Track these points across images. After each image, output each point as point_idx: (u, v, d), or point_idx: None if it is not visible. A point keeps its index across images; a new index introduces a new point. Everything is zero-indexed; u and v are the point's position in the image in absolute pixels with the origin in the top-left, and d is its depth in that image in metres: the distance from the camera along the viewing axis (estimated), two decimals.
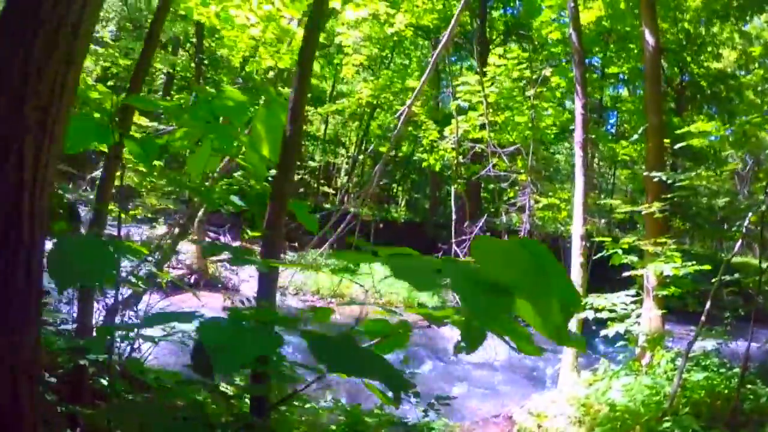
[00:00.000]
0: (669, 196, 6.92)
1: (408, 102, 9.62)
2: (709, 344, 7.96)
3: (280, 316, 1.88)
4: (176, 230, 9.04)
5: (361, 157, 25.21)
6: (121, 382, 3.62)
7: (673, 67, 15.84)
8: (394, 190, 26.91)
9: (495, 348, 10.77)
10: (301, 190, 25.18)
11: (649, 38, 8.76)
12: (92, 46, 15.40)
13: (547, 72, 9.81)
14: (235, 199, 4.09)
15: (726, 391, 6.15)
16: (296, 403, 4.15)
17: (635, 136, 9.16)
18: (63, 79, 1.52)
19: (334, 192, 24.82)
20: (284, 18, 7.66)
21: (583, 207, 7.77)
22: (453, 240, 9.81)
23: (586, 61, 17.48)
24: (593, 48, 14.30)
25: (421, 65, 20.84)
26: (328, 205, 23.97)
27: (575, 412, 6.47)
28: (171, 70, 17.52)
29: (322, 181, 24.80)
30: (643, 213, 7.36)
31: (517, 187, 10.83)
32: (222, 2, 7.34)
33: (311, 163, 17.34)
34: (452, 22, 9.34)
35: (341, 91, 22.88)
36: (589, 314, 7.36)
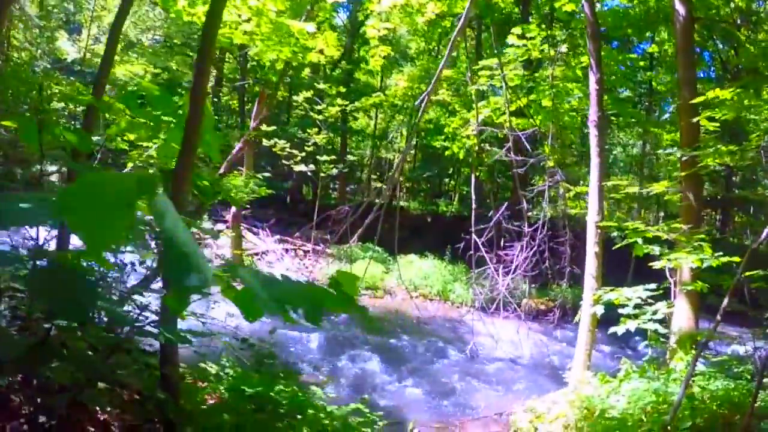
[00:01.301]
0: (683, 174, 6.00)
1: (428, 89, 9.04)
2: (742, 348, 6.97)
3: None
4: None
5: (412, 151, 24.68)
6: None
7: (730, 49, 14.34)
8: (447, 185, 26.16)
9: (521, 346, 10.07)
10: (353, 186, 24.91)
11: (680, 7, 7.78)
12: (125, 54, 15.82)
13: (563, 49, 8.92)
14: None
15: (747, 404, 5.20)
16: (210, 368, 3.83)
17: (666, 115, 8.13)
18: None
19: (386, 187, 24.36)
20: (271, 11, 7.32)
21: (599, 191, 6.93)
22: (472, 228, 9.11)
23: (638, 48, 16.25)
24: (644, 32, 13.16)
25: (468, 56, 20.08)
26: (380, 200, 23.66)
27: (574, 415, 5.72)
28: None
29: (373, 176, 24.40)
30: (647, 194, 6.45)
31: (544, 175, 9.97)
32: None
33: (350, 157, 16.94)
34: (467, 5, 8.67)
35: (390, 86, 22.39)
36: (599, 309, 6.58)
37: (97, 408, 3.21)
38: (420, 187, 25.90)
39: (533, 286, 13.50)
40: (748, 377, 6.02)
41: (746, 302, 6.33)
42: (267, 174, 9.59)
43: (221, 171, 8.45)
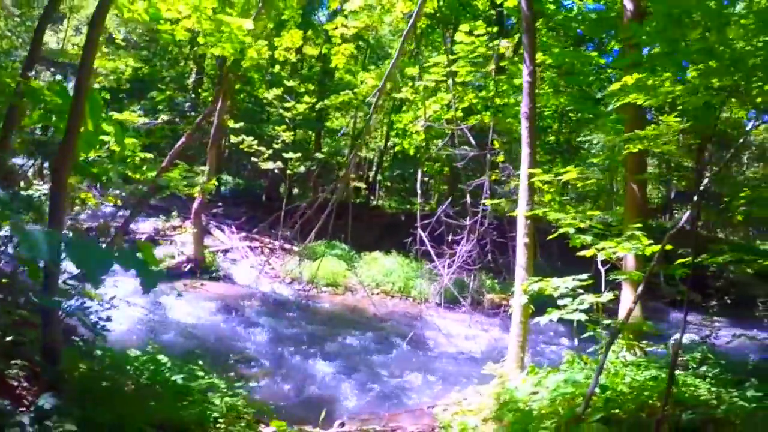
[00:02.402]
0: (594, 160, 5.88)
1: (380, 85, 8.93)
2: (689, 337, 6.87)
3: None
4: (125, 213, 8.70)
5: (391, 151, 24.59)
6: None
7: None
8: (426, 184, 26.03)
9: (476, 339, 9.94)
10: (331, 185, 24.72)
11: (627, 2, 7.74)
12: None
13: (504, 43, 8.82)
14: None
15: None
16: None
17: (610, 107, 7.95)
18: None
19: (365, 186, 24.30)
20: (208, 9, 7.26)
21: (529, 183, 6.81)
22: (418, 223, 9.04)
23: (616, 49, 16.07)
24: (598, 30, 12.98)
25: (448, 57, 19.92)
26: (358, 200, 23.61)
27: (493, 406, 5.59)
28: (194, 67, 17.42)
29: (352, 175, 24.22)
30: (563, 179, 6.34)
31: (496, 170, 9.86)
32: None
33: (318, 155, 16.82)
34: (419, 3, 8.58)
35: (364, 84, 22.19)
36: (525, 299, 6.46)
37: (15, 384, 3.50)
38: (398, 186, 25.80)
39: (496, 281, 13.39)
40: (694, 366, 5.92)
41: (680, 288, 6.23)
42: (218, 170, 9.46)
43: (164, 165, 8.31)
